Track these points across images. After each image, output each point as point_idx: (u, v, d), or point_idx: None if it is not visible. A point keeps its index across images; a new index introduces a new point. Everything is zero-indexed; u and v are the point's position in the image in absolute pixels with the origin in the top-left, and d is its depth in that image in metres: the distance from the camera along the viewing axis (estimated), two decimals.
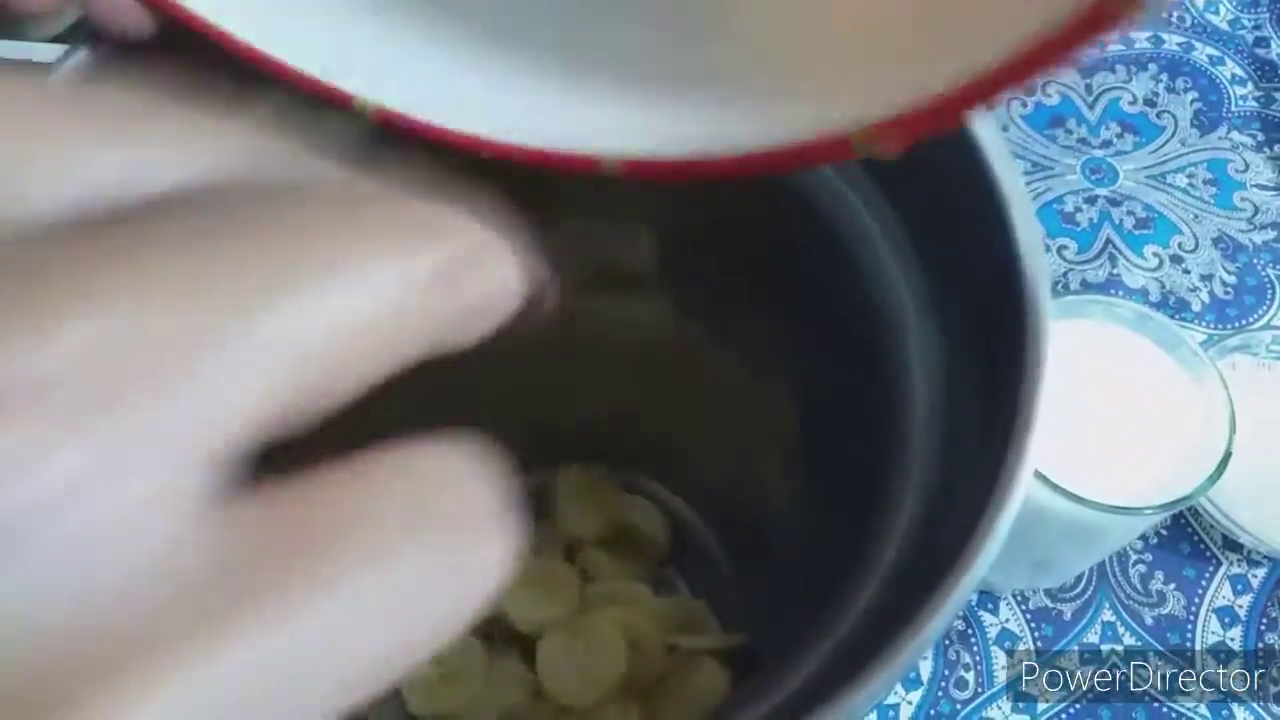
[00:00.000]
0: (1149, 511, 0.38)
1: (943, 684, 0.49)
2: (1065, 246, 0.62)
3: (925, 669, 0.49)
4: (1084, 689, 0.49)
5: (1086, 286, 0.60)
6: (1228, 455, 0.39)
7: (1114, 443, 0.41)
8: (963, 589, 0.21)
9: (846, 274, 0.30)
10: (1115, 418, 0.41)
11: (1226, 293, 0.60)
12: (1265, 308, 0.60)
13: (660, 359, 0.39)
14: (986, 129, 0.25)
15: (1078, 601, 0.51)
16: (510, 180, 0.17)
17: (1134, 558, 0.52)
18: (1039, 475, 0.38)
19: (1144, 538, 0.52)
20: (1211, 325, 0.59)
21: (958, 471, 0.25)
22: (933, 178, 0.26)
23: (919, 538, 0.25)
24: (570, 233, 0.27)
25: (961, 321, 0.28)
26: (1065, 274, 0.60)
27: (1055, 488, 0.38)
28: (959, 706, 0.48)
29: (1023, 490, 0.22)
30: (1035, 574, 0.48)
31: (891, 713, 0.48)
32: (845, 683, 0.20)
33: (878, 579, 0.25)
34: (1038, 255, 0.24)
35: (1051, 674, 0.49)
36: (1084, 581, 0.51)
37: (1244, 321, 0.59)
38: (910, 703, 0.48)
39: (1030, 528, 0.43)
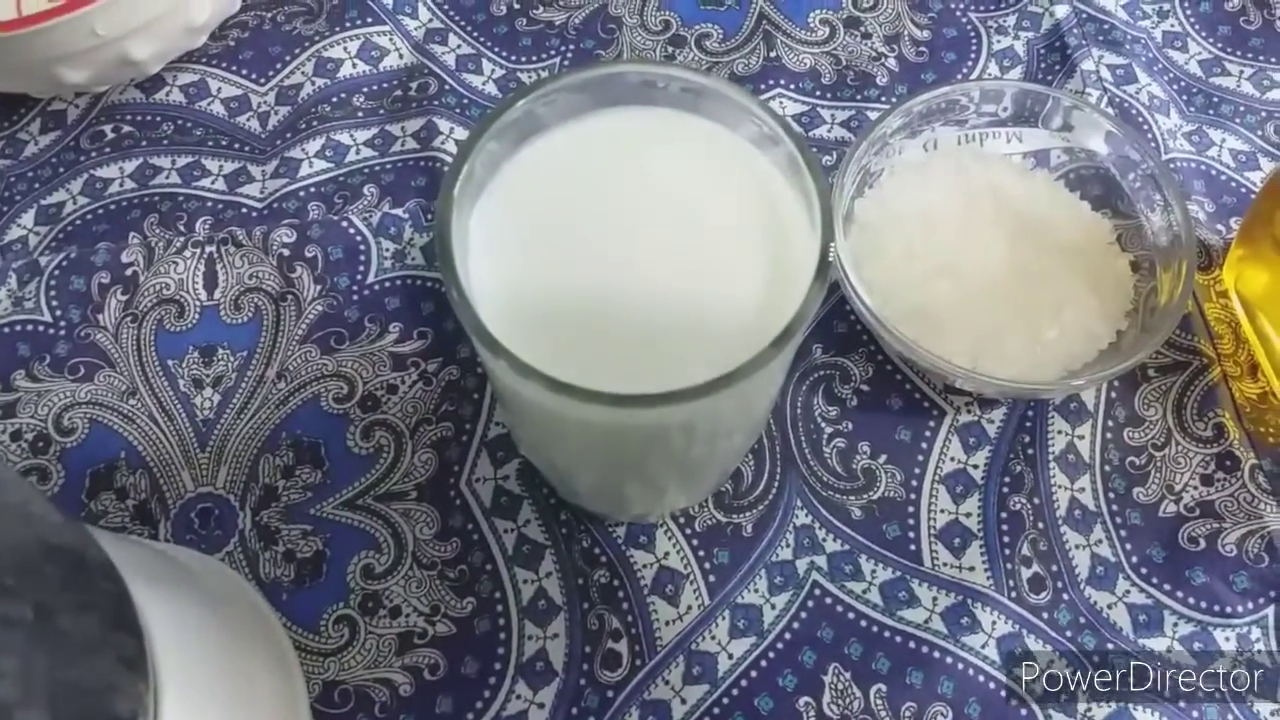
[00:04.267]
0: (687, 398, 0.22)
1: (584, 666, 0.34)
2: (706, 35, 0.46)
3: (556, 652, 0.34)
4: (780, 626, 0.35)
5: (737, 82, 0.44)
6: (822, 270, 0.24)
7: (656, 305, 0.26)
8: None
9: None
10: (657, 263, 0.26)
11: (920, 53, 0.45)
12: (970, 63, 0.45)
13: None
14: None
15: (760, 507, 0.36)
16: None
17: (828, 430, 0.37)
18: (539, 376, 0.23)
19: (838, 401, 0.38)
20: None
21: None
22: None
23: None
24: None
25: None
26: (708, 70, 0.45)
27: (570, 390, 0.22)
28: (610, 693, 0.34)
29: None
30: (661, 495, 0.33)
31: None
32: None
33: None
34: None
35: (735, 617, 0.35)
36: (764, 476, 0.37)
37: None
38: (541, 705, 0.34)
39: (587, 445, 0.27)
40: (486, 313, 0.24)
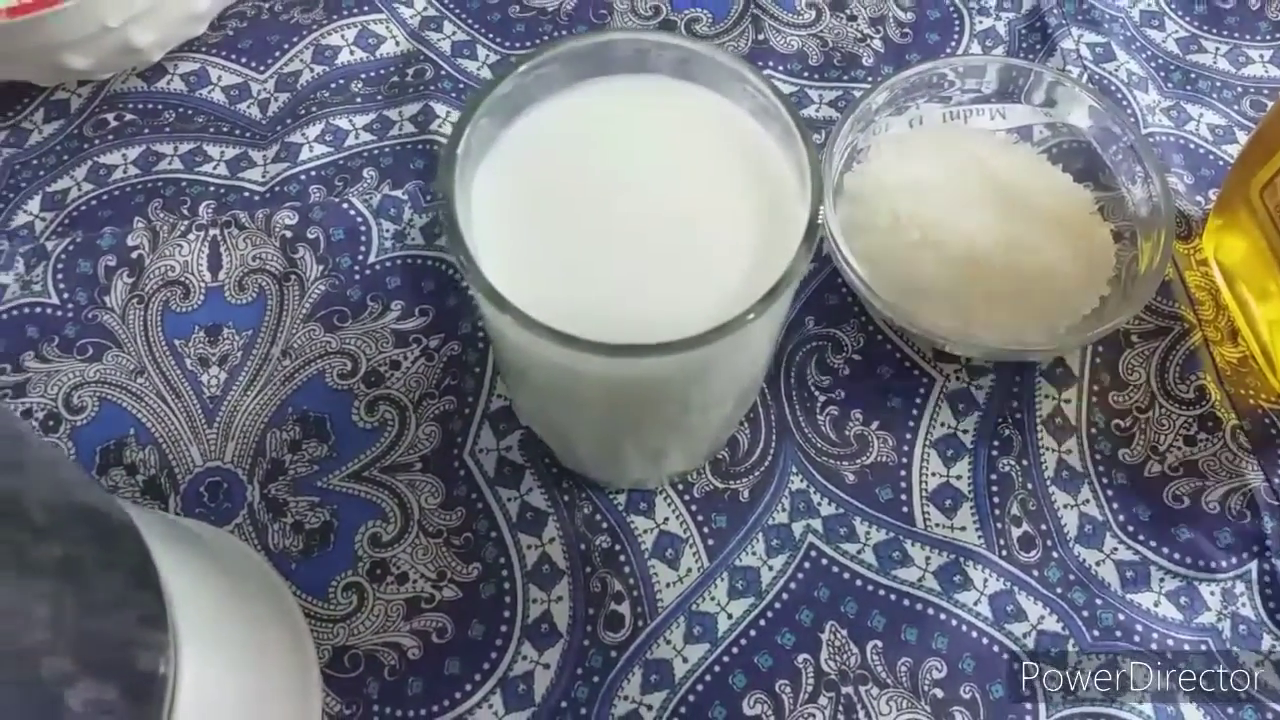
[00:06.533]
0: (673, 350, 0.23)
1: (588, 628, 0.35)
2: (696, 20, 0.47)
3: (561, 614, 0.35)
4: (777, 587, 0.36)
5: None
6: (811, 230, 0.25)
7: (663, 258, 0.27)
8: None
9: None
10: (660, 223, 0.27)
11: (904, 34, 0.47)
12: (953, 43, 0.46)
13: None
14: None
15: (756, 473, 0.37)
16: None
17: (821, 399, 0.38)
18: (537, 326, 0.23)
19: (830, 370, 0.39)
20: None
21: None
22: None
23: None
24: None
25: None
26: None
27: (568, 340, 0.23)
28: (614, 653, 0.35)
29: None
30: (659, 459, 0.34)
31: (523, 686, 0.34)
32: None
33: None
34: None
35: (734, 578, 0.36)
36: (760, 444, 0.38)
37: None
38: (546, 665, 0.34)
39: (585, 403, 0.28)
40: (491, 276, 0.25)
